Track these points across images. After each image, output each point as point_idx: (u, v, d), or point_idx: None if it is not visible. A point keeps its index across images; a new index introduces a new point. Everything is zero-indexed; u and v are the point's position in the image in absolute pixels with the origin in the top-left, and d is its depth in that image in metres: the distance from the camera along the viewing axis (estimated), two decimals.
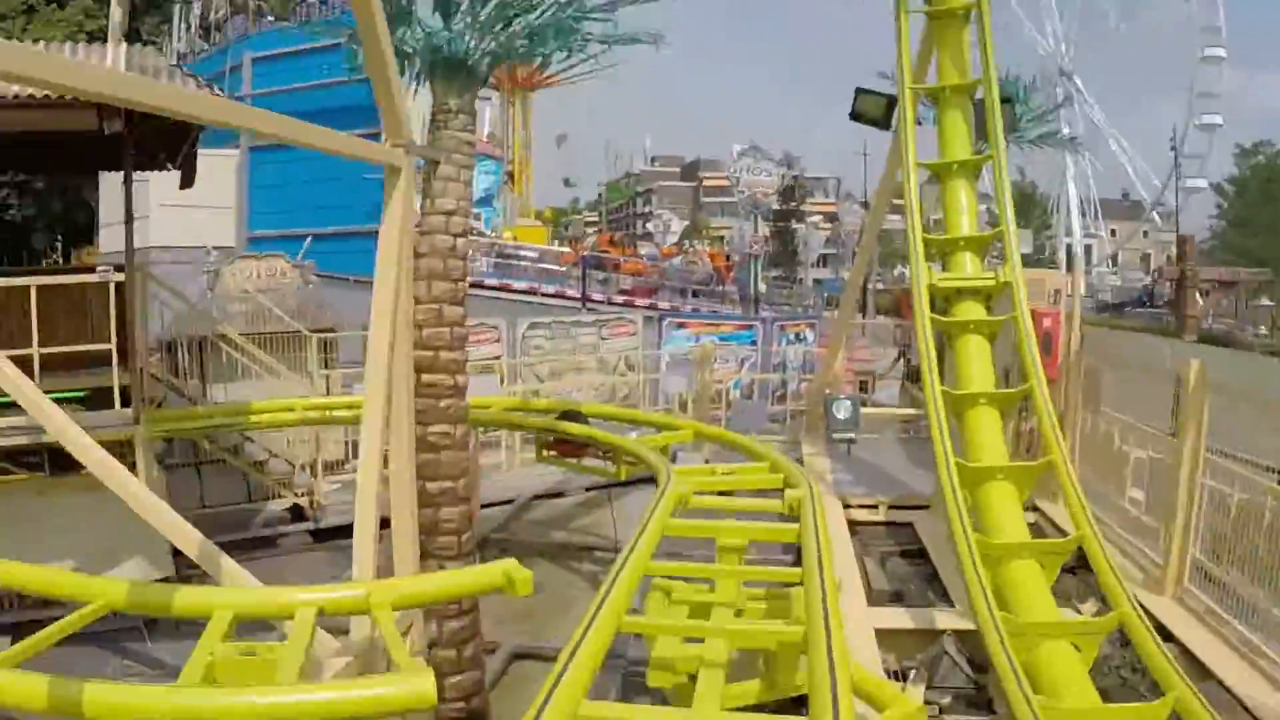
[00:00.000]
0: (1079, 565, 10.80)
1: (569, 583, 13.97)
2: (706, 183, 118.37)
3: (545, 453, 13.47)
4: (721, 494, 9.93)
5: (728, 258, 49.18)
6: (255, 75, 37.36)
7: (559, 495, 18.19)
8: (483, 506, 16.78)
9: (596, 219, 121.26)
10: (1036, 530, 11.85)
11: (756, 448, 11.40)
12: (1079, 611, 10.88)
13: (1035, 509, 13.22)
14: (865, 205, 69.79)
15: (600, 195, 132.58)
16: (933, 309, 12.15)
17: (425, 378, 9.96)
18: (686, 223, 70.81)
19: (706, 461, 13.73)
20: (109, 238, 27.97)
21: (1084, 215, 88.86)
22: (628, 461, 11.69)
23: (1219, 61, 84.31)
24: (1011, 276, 12.06)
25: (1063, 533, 13.03)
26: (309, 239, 30.54)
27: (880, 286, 56.89)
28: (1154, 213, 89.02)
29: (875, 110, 15.54)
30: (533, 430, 13.90)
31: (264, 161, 38.12)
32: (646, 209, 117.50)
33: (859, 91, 15.70)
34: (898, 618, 10.74)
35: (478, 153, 45.71)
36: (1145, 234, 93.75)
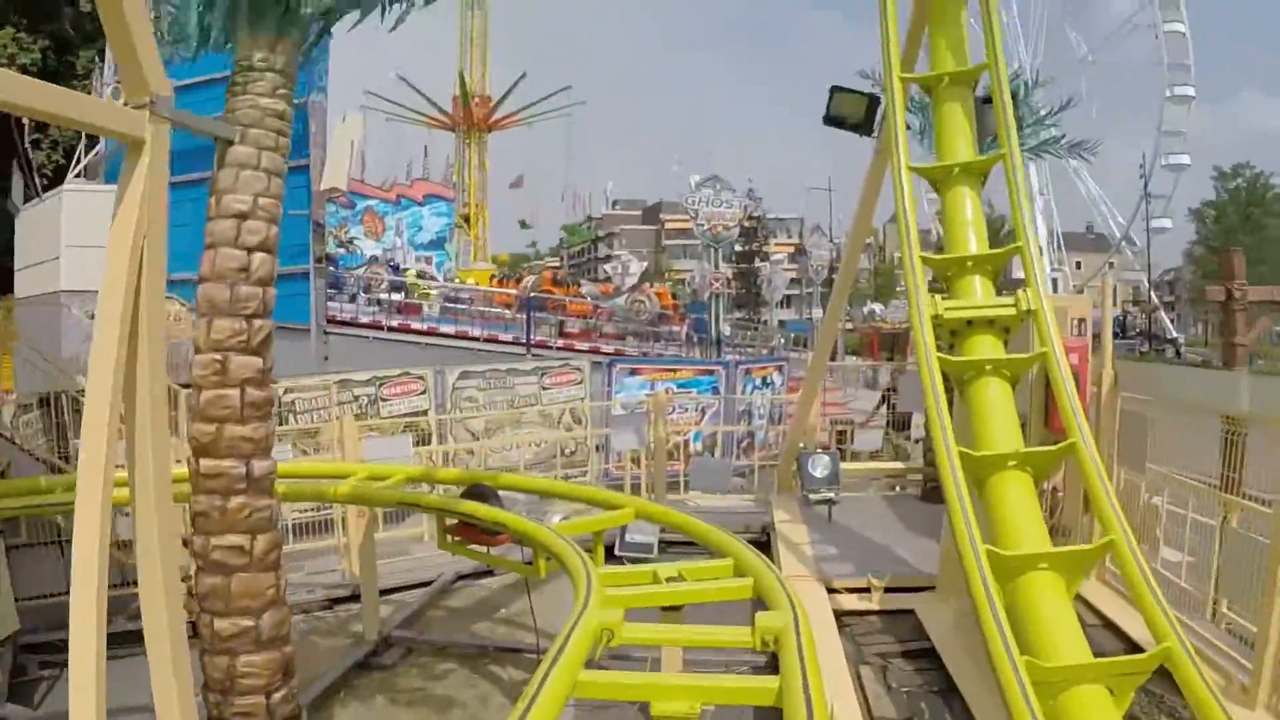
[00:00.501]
0: None
1: (484, 698, 11.01)
2: (668, 225, 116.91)
3: (449, 539, 10.58)
4: (666, 612, 7.10)
5: (675, 296, 46.49)
6: None
7: (488, 574, 15.07)
8: (393, 591, 14.09)
9: (558, 263, 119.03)
10: None
11: (717, 538, 8.45)
12: None
13: None
14: (833, 241, 68.06)
15: (561, 239, 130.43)
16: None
17: (205, 464, 7.08)
18: (646, 264, 68.73)
19: (661, 533, 10.93)
20: (24, 282, 25.88)
21: (1050, 248, 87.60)
22: (547, 557, 8.81)
23: (1187, 100, 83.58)
24: (1037, 303, 9.26)
25: (1111, 625, 10.56)
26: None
27: (849, 326, 54.79)
28: (1124, 245, 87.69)
29: (854, 111, 12.98)
30: (428, 511, 11.15)
31: (178, 199, 35.71)
32: (608, 253, 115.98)
33: (835, 91, 13.10)
34: None
35: (430, 193, 43.20)
36: (1111, 265, 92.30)
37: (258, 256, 7.36)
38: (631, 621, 6.11)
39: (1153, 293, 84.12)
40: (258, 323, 7.32)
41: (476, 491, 9.99)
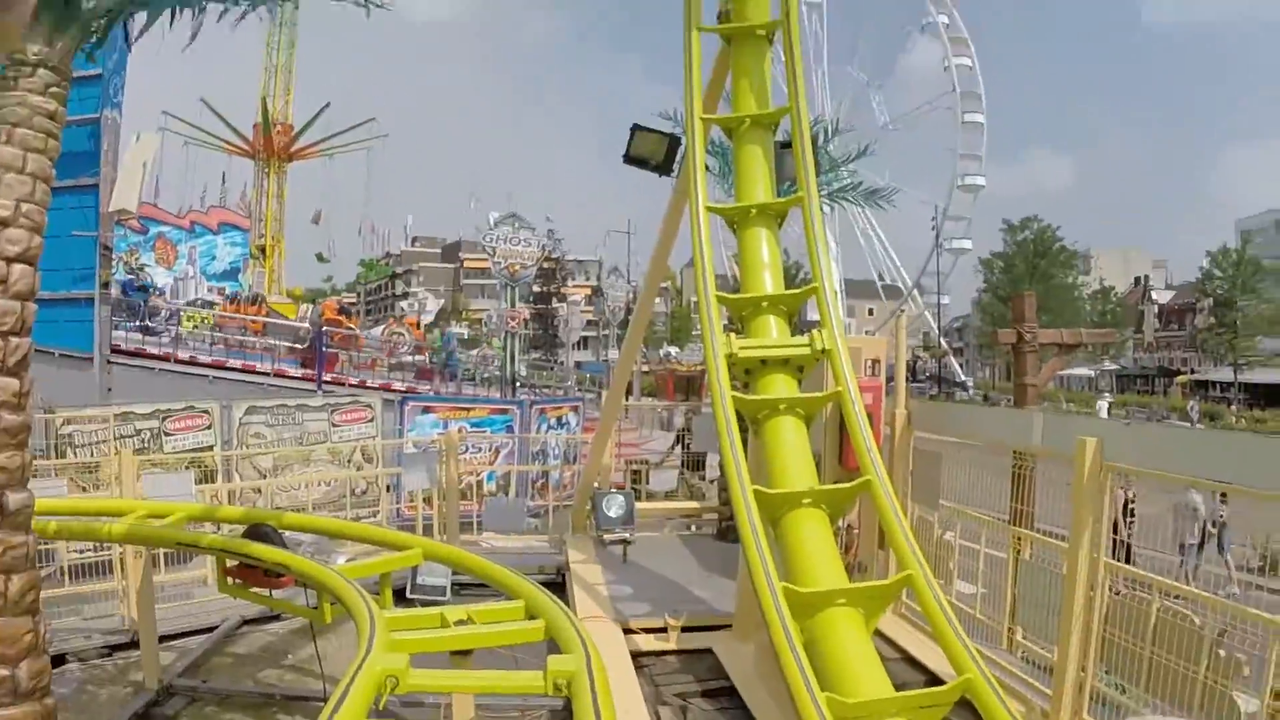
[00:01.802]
0: None
1: None
2: (468, 263, 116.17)
3: (229, 581, 9.96)
4: (456, 656, 6.77)
5: (419, 324, 46.23)
6: None
7: (275, 618, 14.18)
8: (176, 637, 13.23)
9: (355, 299, 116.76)
10: None
11: (508, 579, 8.11)
12: None
13: None
14: (630, 282, 68.60)
15: (358, 274, 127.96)
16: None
17: None
18: (444, 302, 68.01)
19: (455, 575, 10.52)
20: None
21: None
22: (332, 600, 8.34)
23: (976, 189, 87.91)
24: (832, 343, 9.31)
25: (910, 658, 10.74)
26: None
27: (645, 369, 55.10)
28: (914, 292, 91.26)
29: (655, 151, 12.96)
30: (207, 552, 10.49)
31: None
32: (406, 290, 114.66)
33: (636, 130, 13.08)
34: None
35: (226, 222, 41.75)
36: (902, 312, 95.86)
37: (17, 268, 6.64)
38: (420, 668, 5.79)
39: (942, 339, 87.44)
40: (15, 341, 6.61)
41: (258, 532, 9.42)
